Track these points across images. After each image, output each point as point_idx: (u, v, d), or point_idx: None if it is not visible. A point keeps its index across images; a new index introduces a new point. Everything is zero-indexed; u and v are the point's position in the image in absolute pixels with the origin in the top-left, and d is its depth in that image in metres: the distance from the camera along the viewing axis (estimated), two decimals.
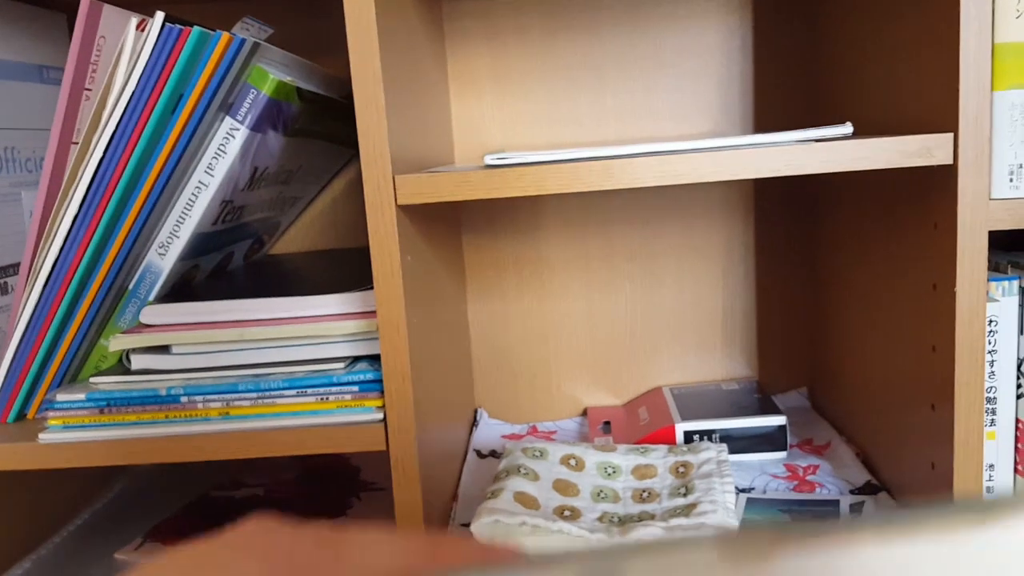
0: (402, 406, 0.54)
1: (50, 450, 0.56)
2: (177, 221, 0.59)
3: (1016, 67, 0.50)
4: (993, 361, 0.55)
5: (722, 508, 0.59)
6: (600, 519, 0.62)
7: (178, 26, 0.52)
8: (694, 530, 0.56)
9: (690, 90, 0.84)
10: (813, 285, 0.86)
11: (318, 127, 0.69)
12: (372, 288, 0.56)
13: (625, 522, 0.61)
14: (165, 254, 0.59)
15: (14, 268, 0.68)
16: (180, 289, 0.64)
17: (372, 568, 0.19)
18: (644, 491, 0.66)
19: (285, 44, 0.83)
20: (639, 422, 0.81)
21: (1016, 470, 0.56)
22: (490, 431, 0.88)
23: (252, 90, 0.56)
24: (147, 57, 0.52)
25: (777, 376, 0.89)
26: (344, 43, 0.52)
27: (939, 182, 0.53)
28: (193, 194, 0.58)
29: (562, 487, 0.66)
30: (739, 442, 0.74)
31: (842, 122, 0.65)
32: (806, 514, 0.63)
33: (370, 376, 0.56)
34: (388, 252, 0.53)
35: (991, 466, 0.56)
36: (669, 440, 0.75)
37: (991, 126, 0.51)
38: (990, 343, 0.54)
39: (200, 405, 0.56)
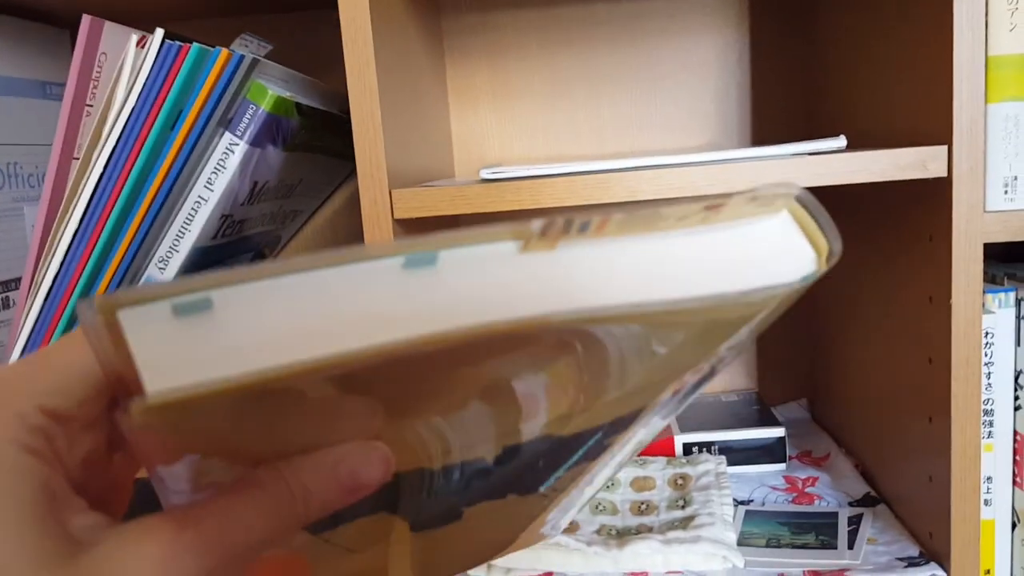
0: None
1: None
2: (177, 235, 0.59)
3: (1010, 79, 0.50)
4: (990, 373, 0.54)
5: (720, 521, 0.59)
6: (598, 532, 0.62)
7: (177, 43, 0.53)
8: (691, 543, 0.56)
9: (687, 103, 0.84)
10: (812, 296, 0.86)
11: (318, 141, 0.70)
12: None
13: (623, 534, 0.61)
14: (165, 268, 0.60)
15: (16, 283, 0.69)
16: None
17: None
18: (642, 503, 0.66)
19: (284, 60, 0.84)
20: None
21: (1015, 482, 0.56)
22: None
23: (251, 105, 0.57)
24: (147, 73, 0.53)
25: (777, 388, 0.89)
26: (343, 58, 0.52)
27: (934, 194, 0.53)
28: (193, 209, 0.58)
29: None
30: (738, 454, 0.74)
31: (838, 134, 0.65)
32: (805, 527, 0.63)
33: None
34: None
35: (989, 479, 0.56)
36: (668, 452, 0.75)
37: (985, 138, 0.51)
38: (987, 355, 0.54)
39: None
